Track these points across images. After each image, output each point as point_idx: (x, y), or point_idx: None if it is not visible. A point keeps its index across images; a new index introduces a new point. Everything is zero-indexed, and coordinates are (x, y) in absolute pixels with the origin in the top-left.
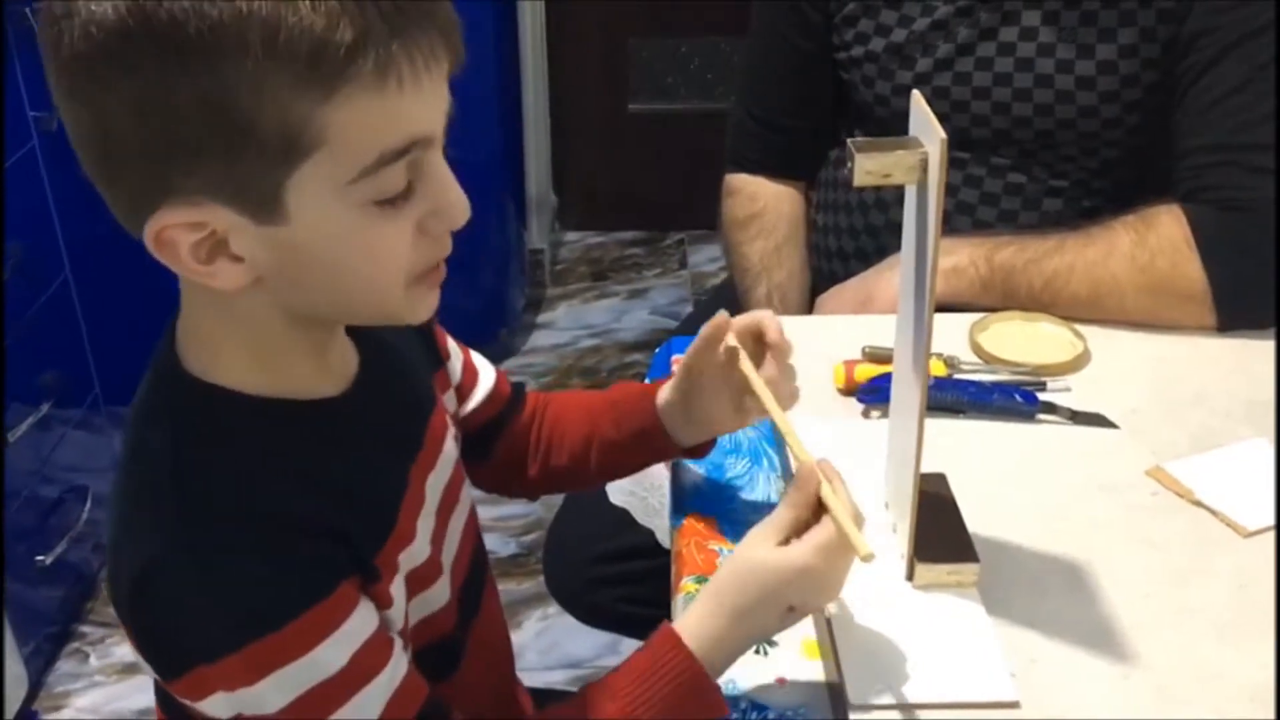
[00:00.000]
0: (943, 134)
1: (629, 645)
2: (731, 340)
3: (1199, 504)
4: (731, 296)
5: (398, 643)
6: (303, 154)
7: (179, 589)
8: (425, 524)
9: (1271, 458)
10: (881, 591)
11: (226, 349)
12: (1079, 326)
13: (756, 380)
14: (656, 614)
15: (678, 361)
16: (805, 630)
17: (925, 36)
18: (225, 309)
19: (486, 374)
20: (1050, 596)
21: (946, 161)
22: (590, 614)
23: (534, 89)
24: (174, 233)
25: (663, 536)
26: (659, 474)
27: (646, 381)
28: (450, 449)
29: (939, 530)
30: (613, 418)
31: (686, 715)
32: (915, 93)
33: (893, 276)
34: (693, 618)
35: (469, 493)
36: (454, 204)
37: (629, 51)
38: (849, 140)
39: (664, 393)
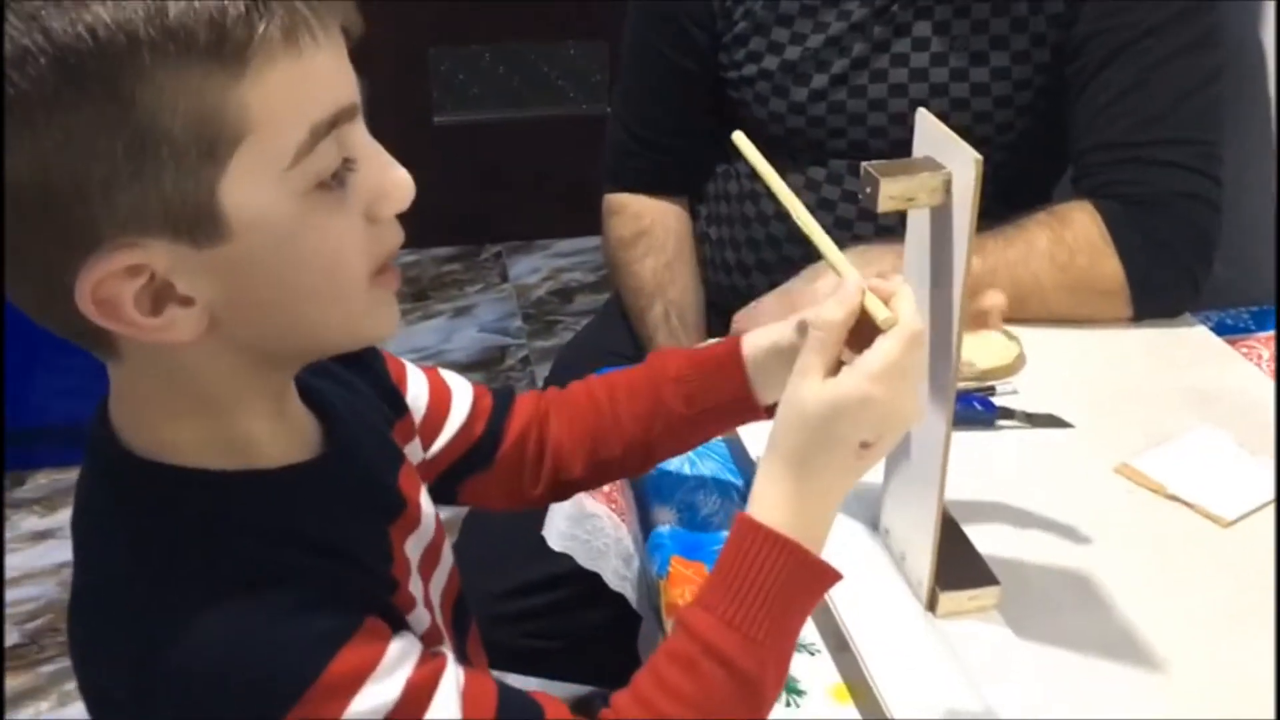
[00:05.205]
0: (976, 155)
1: None
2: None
3: (1174, 498)
4: (617, 317)
5: (449, 654)
6: (228, 148)
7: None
8: (416, 588)
9: (1230, 444)
10: (902, 623)
11: (172, 422)
12: (1009, 327)
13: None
14: (554, 646)
15: None
16: (831, 675)
17: (819, 53)
18: (170, 371)
19: (462, 393)
20: (1064, 612)
21: (981, 181)
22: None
23: None
24: (112, 285)
25: (612, 579)
26: (601, 513)
27: None
28: (427, 508)
29: (952, 554)
30: (683, 394)
31: (794, 598)
32: (923, 110)
33: (815, 290)
34: (759, 491)
35: (449, 553)
36: (398, 181)
37: (428, 63)
38: (865, 165)
39: (762, 344)
